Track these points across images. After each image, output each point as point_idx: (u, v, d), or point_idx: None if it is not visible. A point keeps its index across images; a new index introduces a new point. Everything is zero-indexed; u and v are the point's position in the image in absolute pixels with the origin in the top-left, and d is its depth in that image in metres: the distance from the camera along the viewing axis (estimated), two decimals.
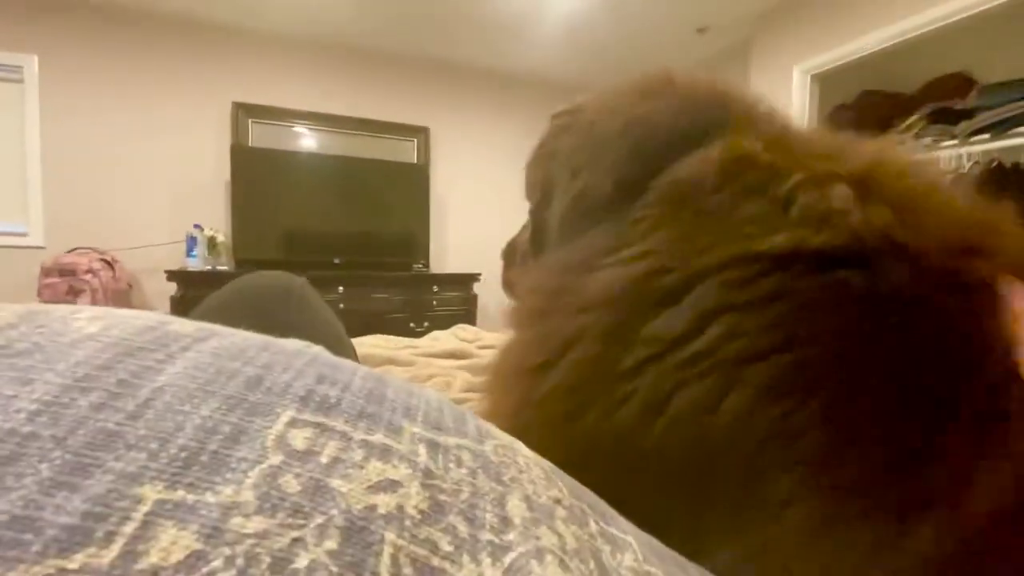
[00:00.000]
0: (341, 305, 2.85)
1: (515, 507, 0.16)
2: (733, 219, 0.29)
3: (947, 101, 2.35)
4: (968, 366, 0.24)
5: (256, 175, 2.88)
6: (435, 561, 0.12)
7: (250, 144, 3.04)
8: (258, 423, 0.13)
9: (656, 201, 0.33)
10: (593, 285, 0.31)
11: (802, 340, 0.25)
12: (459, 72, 3.59)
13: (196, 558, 0.10)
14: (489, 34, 3.12)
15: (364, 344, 1.06)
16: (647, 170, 0.35)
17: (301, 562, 0.11)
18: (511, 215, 0.57)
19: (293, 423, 0.14)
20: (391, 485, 0.14)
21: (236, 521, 0.11)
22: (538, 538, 0.15)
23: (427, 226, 3.30)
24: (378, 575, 0.11)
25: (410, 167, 3.41)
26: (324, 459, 0.13)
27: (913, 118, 2.45)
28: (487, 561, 0.13)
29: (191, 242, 2.69)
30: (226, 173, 2.88)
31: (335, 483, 0.13)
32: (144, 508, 0.10)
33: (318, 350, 0.19)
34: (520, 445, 0.21)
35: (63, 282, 2.44)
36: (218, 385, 0.14)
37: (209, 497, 0.11)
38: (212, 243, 2.79)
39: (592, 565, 0.16)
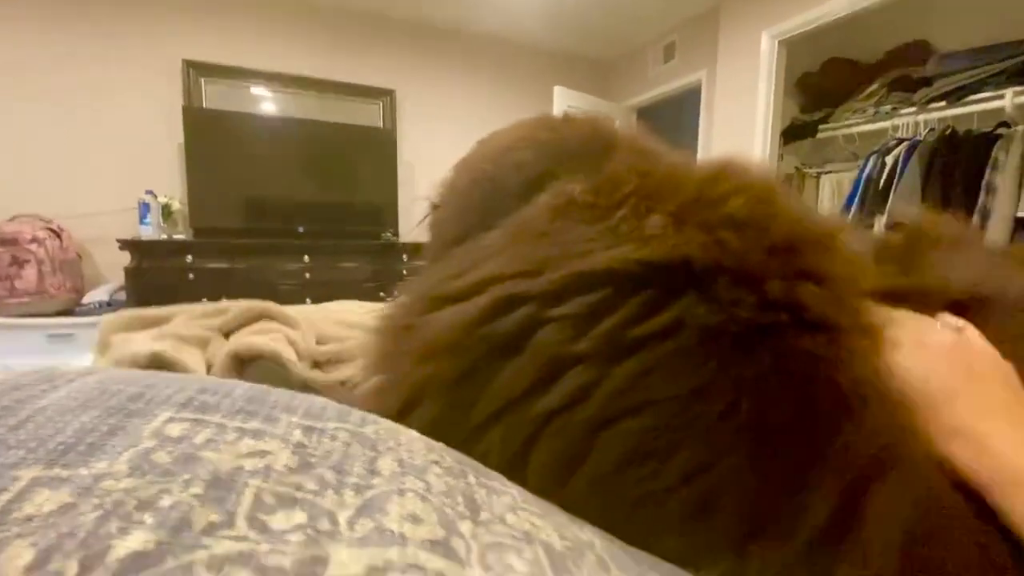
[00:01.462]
0: (307, 275, 2.78)
1: (385, 465, 0.19)
2: (567, 239, 0.30)
3: (907, 69, 2.40)
4: (834, 418, 0.23)
5: (212, 138, 2.74)
6: (299, 495, 0.15)
7: (204, 105, 2.88)
8: (136, 422, 0.17)
9: (500, 235, 0.35)
10: (434, 327, 0.30)
11: (655, 402, 0.24)
12: (425, 32, 3.45)
13: (68, 507, 0.13)
14: None
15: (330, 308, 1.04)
16: (491, 217, 0.37)
17: (165, 502, 0.14)
18: None
19: (170, 420, 0.17)
20: (261, 453, 0.17)
21: (107, 483, 0.14)
22: (403, 483, 0.18)
23: (395, 193, 3.23)
24: (240, 505, 0.14)
25: (376, 131, 3.30)
26: (197, 440, 0.16)
27: (874, 86, 2.50)
28: (349, 494, 0.16)
29: (144, 209, 2.56)
30: (179, 136, 2.73)
31: (205, 454, 0.16)
32: (21, 483, 0.13)
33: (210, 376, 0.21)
34: (406, 430, 0.23)
35: (5, 252, 2.30)
36: (99, 401, 0.17)
37: (83, 471, 0.14)
38: (167, 210, 2.67)
39: (460, 500, 0.19)
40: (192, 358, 0.67)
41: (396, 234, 3.24)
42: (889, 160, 2.21)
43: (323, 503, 0.16)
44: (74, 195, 2.67)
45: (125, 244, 2.41)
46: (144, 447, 0.16)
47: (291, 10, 3.09)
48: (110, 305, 2.47)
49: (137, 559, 0.12)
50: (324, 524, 0.15)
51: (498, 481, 0.22)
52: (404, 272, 3.05)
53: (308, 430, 0.20)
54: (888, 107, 2.40)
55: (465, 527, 0.18)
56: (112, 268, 2.64)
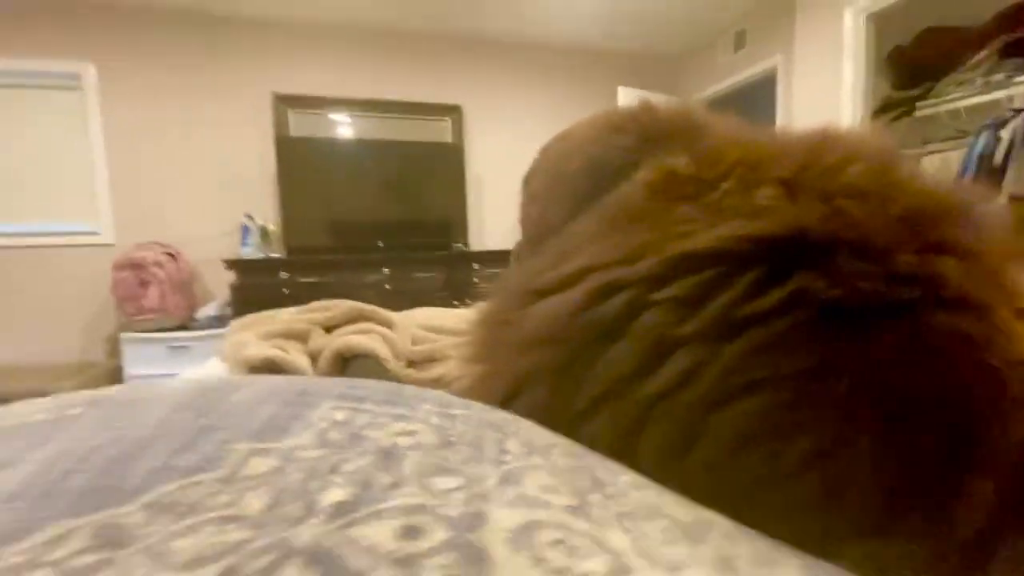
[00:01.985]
0: (387, 286, 2.93)
1: (512, 445, 0.21)
2: (666, 221, 0.28)
3: (1020, 32, 2.14)
4: (989, 405, 0.21)
5: (300, 164, 2.98)
6: (448, 465, 0.18)
7: (291, 134, 3.14)
8: (307, 411, 0.20)
9: (593, 219, 0.33)
10: (535, 318, 0.30)
11: (771, 381, 0.23)
12: (488, 46, 3.55)
13: (278, 470, 0.16)
14: (516, 4, 3.06)
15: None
16: (590, 200, 0.36)
17: (349, 467, 0.17)
18: None
19: (334, 408, 0.21)
20: (410, 433, 0.20)
21: (301, 452, 0.17)
22: (531, 460, 0.20)
23: (464, 205, 3.33)
24: (404, 471, 0.17)
25: (445, 146, 3.43)
26: (358, 423, 0.20)
27: (982, 54, 2.25)
28: (489, 467, 0.18)
29: (245, 232, 2.82)
30: (272, 164, 2.99)
31: (367, 433, 0.19)
32: (238, 455, 0.17)
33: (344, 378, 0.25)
34: (522, 418, 0.24)
35: (133, 275, 2.62)
36: (275, 397, 0.22)
37: (279, 445, 0.18)
38: (264, 232, 2.92)
39: (585, 476, 0.20)
40: (299, 357, 0.74)
41: (466, 244, 3.33)
42: (1005, 134, 1.98)
43: (471, 472, 0.18)
44: (185, 222, 3.00)
45: (230, 264, 2.67)
46: (320, 427, 0.19)
47: (361, 37, 3.30)
48: (218, 319, 2.74)
49: (340, 506, 0.15)
50: (476, 488, 0.17)
51: (614, 463, 0.23)
52: (475, 280, 3.13)
53: (442, 415, 0.22)
54: (1000, 76, 2.14)
55: (595, 498, 0.19)
56: (219, 286, 2.93)
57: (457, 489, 0.17)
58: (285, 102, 3.14)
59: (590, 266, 0.29)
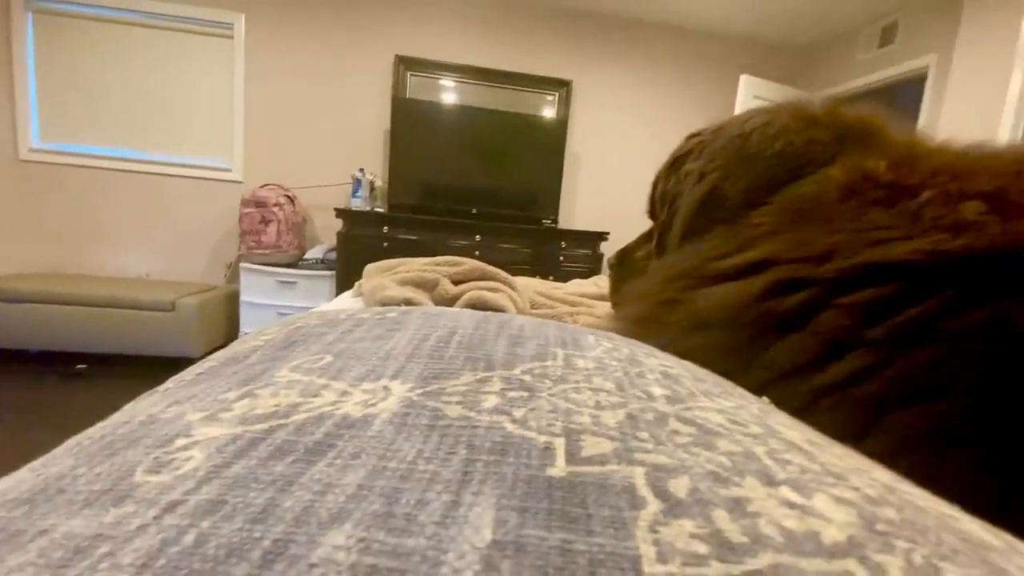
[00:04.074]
0: (476, 252, 3.03)
1: (741, 392, 0.22)
2: (858, 225, 0.28)
3: None
4: None
5: (411, 125, 3.11)
6: (714, 392, 0.20)
7: (407, 96, 3.28)
8: (581, 336, 0.24)
9: (776, 211, 0.33)
10: (707, 301, 0.30)
11: (958, 390, 0.22)
12: (606, 22, 3.47)
13: (599, 367, 0.21)
14: None
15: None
16: (772, 189, 0.36)
17: (649, 376, 0.20)
18: (645, 177, 0.57)
19: (598, 339, 0.24)
20: (669, 365, 0.22)
21: (606, 361, 0.21)
22: (764, 405, 0.21)
23: (559, 182, 3.34)
24: (688, 385, 0.20)
25: (548, 121, 3.43)
26: (626, 352, 0.23)
27: None
28: (744, 402, 0.20)
29: (356, 184, 3.02)
30: (386, 122, 3.16)
31: (640, 358, 0.22)
32: (562, 354, 0.21)
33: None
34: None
35: (257, 212, 2.90)
36: (541, 327, 0.25)
37: (587, 353, 0.22)
38: (372, 187, 3.11)
39: (804, 428, 0.21)
40: (428, 303, 0.82)
41: (555, 221, 3.35)
42: None
43: (734, 400, 0.20)
44: (305, 169, 3.26)
45: (340, 213, 2.88)
46: (604, 347, 0.23)
47: (482, 4, 3.34)
48: (323, 262, 2.98)
49: (669, 397, 0.18)
50: (751, 410, 0.19)
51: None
52: (560, 259, 3.16)
53: (678, 360, 0.25)
54: None
55: (824, 441, 0.21)
56: (326, 231, 3.18)
57: (738, 407, 0.20)
58: (405, 64, 3.27)
59: (773, 258, 0.30)
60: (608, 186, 3.57)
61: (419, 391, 0.18)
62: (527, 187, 3.35)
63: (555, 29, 3.44)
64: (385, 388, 0.18)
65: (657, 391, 0.19)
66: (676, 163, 0.50)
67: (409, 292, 0.77)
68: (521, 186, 3.34)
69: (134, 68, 3.10)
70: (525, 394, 0.17)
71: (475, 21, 3.36)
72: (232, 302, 3.02)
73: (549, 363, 0.20)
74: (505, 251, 3.10)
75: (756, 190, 0.38)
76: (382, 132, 3.27)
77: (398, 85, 3.26)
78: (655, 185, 0.54)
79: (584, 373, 0.20)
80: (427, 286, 0.87)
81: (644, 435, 0.15)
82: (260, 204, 2.90)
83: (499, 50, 3.39)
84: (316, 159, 3.28)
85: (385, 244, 2.89)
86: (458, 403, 0.17)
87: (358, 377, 0.19)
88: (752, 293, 0.30)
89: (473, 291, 0.83)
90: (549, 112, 3.47)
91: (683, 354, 0.33)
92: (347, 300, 1.03)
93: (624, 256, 0.61)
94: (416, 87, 3.32)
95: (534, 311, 0.87)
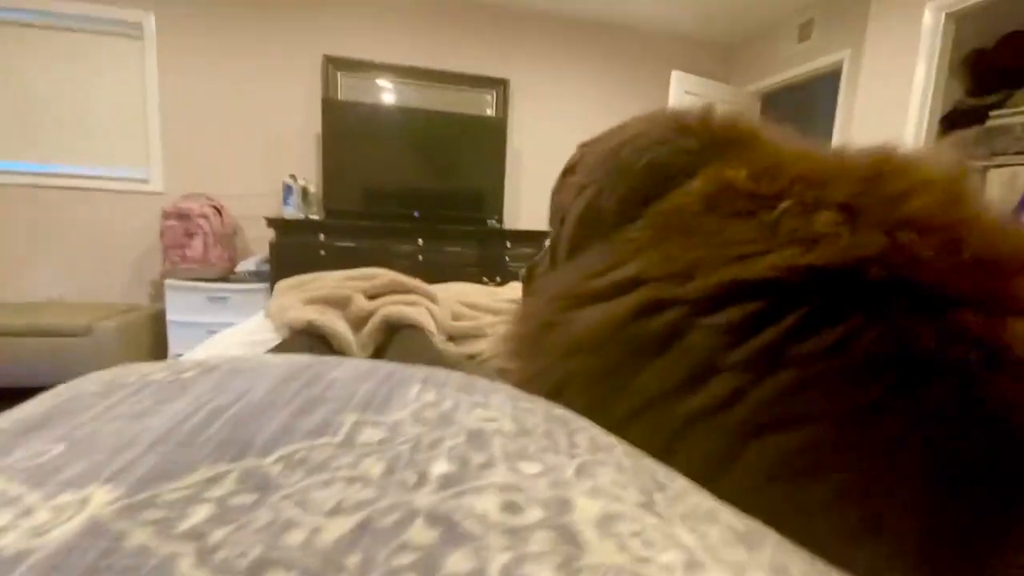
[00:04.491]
0: (419, 257, 2.97)
1: (581, 439, 0.21)
2: (720, 240, 0.28)
3: None
4: None
5: (344, 128, 3.00)
6: (529, 452, 0.19)
7: (339, 97, 3.16)
8: (401, 389, 0.22)
9: (647, 226, 0.32)
10: (580, 324, 0.30)
11: (814, 417, 0.23)
12: (540, 21, 3.47)
13: (386, 440, 0.17)
14: None
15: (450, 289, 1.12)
16: (645, 201, 0.35)
17: (447, 444, 0.18)
18: None
19: (422, 390, 0.22)
20: (491, 420, 0.20)
21: (404, 428, 0.18)
22: (598, 456, 0.20)
23: (502, 181, 3.32)
24: (494, 453, 0.18)
25: (488, 120, 3.40)
26: (445, 406, 0.21)
27: None
28: (564, 459, 0.19)
29: (287, 191, 2.88)
30: (317, 126, 3.02)
31: (456, 416, 0.20)
32: (349, 424, 0.18)
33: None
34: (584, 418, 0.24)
35: (180, 224, 2.72)
36: (371, 375, 0.23)
37: (384, 418, 0.19)
38: (304, 193, 2.98)
39: (647, 476, 0.20)
40: (337, 322, 0.77)
41: (500, 221, 3.33)
42: None
43: (549, 461, 0.19)
44: (231, 176, 3.08)
45: (271, 222, 2.74)
46: (415, 407, 0.20)
47: (415, 3, 3.27)
48: (256, 274, 2.83)
49: (447, 478, 0.16)
50: (557, 476, 0.18)
51: (668, 468, 0.24)
52: (507, 259, 3.14)
53: (515, 406, 0.23)
54: None
55: (659, 497, 0.19)
56: (259, 242, 3.02)
57: (540, 475, 0.17)
58: (335, 64, 3.15)
59: (640, 277, 0.29)
60: (550, 184, 3.56)
61: (123, 503, 0.14)
62: (470, 188, 3.31)
63: (489, 28, 3.41)
64: (83, 500, 0.14)
65: (438, 469, 0.16)
66: (566, 174, 0.48)
67: (313, 313, 0.72)
68: (464, 187, 3.30)
69: (31, 74, 2.83)
70: (252, 499, 0.14)
71: (406, 20, 3.27)
72: (158, 322, 2.82)
73: (323, 440, 0.17)
74: (450, 254, 3.05)
75: (630, 204, 0.36)
76: (313, 136, 3.13)
77: (328, 86, 3.13)
78: (552, 196, 0.52)
79: (359, 452, 0.16)
80: (339, 304, 0.82)
81: (354, 559, 0.12)
82: (183, 216, 2.72)
83: (433, 49, 3.32)
84: (244, 166, 3.11)
85: (322, 252, 2.78)
86: (152, 524, 0.13)
87: (66, 481, 0.15)
88: (621, 315, 0.28)
89: (390, 307, 0.79)
90: (488, 111, 3.44)
91: (560, 382, 0.30)
92: (258, 322, 0.97)
93: (530, 271, 0.58)
94: (349, 88, 3.20)
95: (455, 323, 0.83)
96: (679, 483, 0.22)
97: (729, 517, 0.21)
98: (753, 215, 0.28)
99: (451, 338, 0.79)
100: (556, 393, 0.29)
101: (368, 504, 0.14)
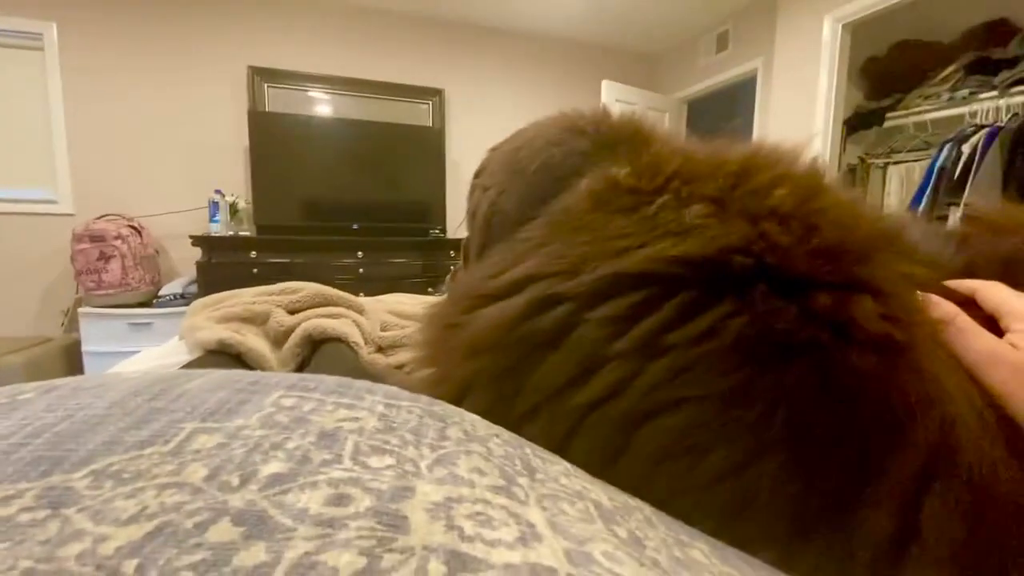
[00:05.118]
0: (360, 270, 2.89)
1: (453, 433, 0.21)
2: (604, 235, 0.29)
3: (986, 50, 2.23)
4: (887, 437, 0.22)
5: (274, 140, 2.89)
6: (387, 447, 0.18)
7: (267, 109, 3.05)
8: (258, 396, 0.21)
9: (541, 225, 0.34)
10: (479, 324, 0.30)
11: (691, 400, 0.24)
12: (474, 32, 3.51)
13: (223, 445, 0.17)
14: None
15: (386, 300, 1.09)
16: (542, 201, 0.36)
17: (290, 445, 0.17)
18: None
19: (283, 396, 0.21)
20: (354, 419, 0.20)
21: (245, 432, 0.17)
22: (469, 447, 0.21)
23: (443, 190, 3.30)
24: (344, 450, 0.18)
25: (425, 130, 3.38)
26: (305, 408, 0.20)
27: (949, 69, 2.34)
28: (426, 450, 0.19)
29: (213, 208, 2.74)
30: (244, 139, 2.90)
31: (312, 418, 0.19)
32: (185, 432, 0.17)
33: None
34: (468, 412, 0.25)
35: (94, 248, 2.52)
36: (228, 384, 0.22)
37: (227, 424, 0.18)
38: (234, 209, 2.84)
39: (518, 463, 0.21)
40: (254, 339, 0.73)
41: (443, 231, 3.31)
42: (966, 148, 2.07)
43: (406, 454, 0.19)
44: (153, 195, 2.89)
45: (197, 240, 2.59)
46: (267, 411, 0.19)
47: (346, 14, 3.22)
48: (183, 297, 2.66)
49: (277, 477, 0.15)
50: (409, 467, 0.18)
51: (551, 455, 0.24)
52: (452, 268, 3.12)
53: (388, 405, 0.23)
54: (965, 92, 2.23)
55: (523, 481, 0.20)
56: (185, 263, 2.84)
57: (390, 467, 0.17)
58: (261, 75, 3.04)
59: (532, 275, 0.30)
60: None
61: None
62: (411, 198, 3.27)
63: (424, 39, 3.40)
64: None
65: (269, 470, 0.15)
66: (476, 177, 0.49)
67: (224, 332, 0.68)
68: (405, 198, 3.25)
69: None
70: (44, 515, 0.13)
71: (338, 31, 3.21)
72: (72, 354, 2.60)
73: (151, 450, 0.16)
74: (394, 266, 3.00)
75: (528, 204, 0.37)
76: (242, 149, 3.00)
77: (255, 98, 3.02)
78: (467, 199, 0.53)
79: (186, 459, 0.16)
80: (256, 320, 0.78)
81: (132, 564, 0.11)
82: (97, 238, 2.52)
83: (367, 60, 3.27)
84: (165, 183, 2.93)
85: (255, 270, 2.66)
86: None
87: None
88: (514, 314, 0.29)
89: (311, 320, 0.76)
90: (425, 121, 3.42)
91: (464, 383, 0.30)
92: (172, 345, 0.91)
93: (453, 276, 0.59)
94: (277, 100, 3.09)
95: (384, 333, 0.82)
96: (556, 468, 0.22)
97: (602, 496, 0.21)
98: (635, 210, 0.30)
99: (380, 349, 0.77)
100: (462, 396, 0.30)
101: (174, 509, 0.13)
